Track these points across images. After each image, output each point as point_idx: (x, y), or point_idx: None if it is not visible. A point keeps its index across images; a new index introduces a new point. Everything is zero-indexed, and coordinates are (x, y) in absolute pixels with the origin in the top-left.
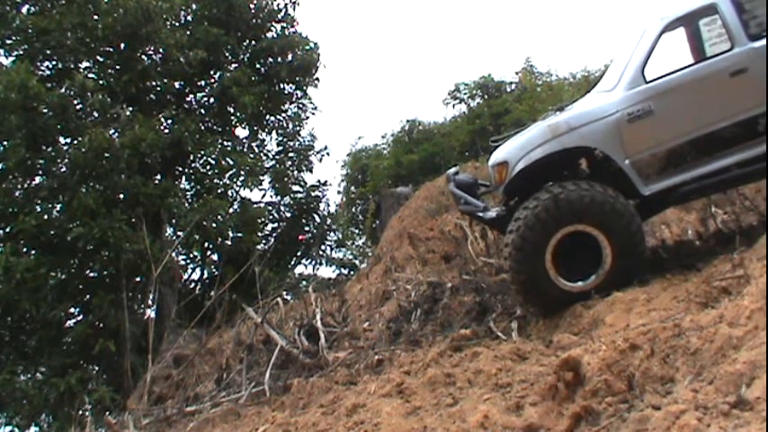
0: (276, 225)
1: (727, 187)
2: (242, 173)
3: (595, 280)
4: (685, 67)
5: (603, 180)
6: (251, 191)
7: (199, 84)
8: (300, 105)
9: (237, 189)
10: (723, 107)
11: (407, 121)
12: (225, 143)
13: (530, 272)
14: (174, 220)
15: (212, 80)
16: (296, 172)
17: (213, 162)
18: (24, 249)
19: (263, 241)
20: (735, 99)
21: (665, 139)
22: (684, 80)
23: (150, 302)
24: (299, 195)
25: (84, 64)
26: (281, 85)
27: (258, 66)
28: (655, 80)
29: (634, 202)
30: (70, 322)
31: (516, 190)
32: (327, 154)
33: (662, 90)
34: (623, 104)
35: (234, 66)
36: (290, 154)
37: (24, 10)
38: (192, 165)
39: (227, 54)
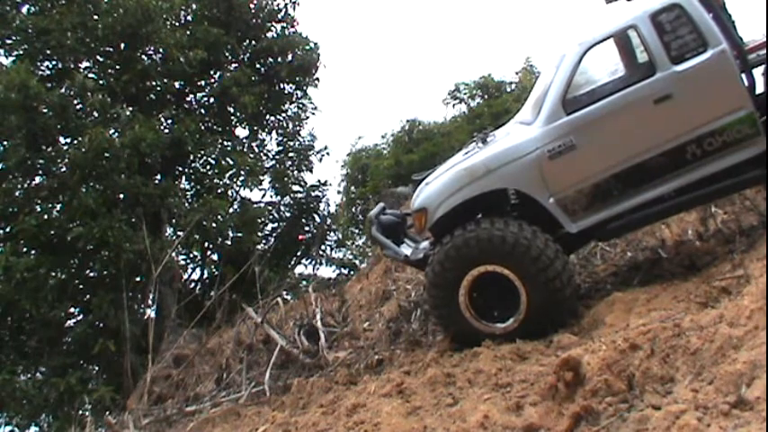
0: (276, 225)
1: (660, 218)
2: (242, 173)
3: (513, 323)
4: (606, 96)
5: (532, 218)
6: (251, 191)
7: (199, 84)
8: (300, 105)
9: (237, 189)
10: (649, 137)
11: (407, 121)
12: (225, 143)
13: (445, 311)
14: (174, 220)
15: (212, 80)
16: (296, 172)
17: (213, 162)
18: (24, 249)
19: (263, 241)
20: (661, 127)
21: (589, 174)
22: (606, 111)
23: (150, 302)
24: (299, 195)
25: (84, 64)
26: (281, 85)
27: (258, 66)
28: (575, 111)
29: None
30: (70, 322)
31: (442, 229)
32: (327, 154)
33: (583, 122)
34: (543, 140)
35: (234, 66)
36: (290, 154)
37: (24, 10)
38: (192, 165)
39: (227, 54)
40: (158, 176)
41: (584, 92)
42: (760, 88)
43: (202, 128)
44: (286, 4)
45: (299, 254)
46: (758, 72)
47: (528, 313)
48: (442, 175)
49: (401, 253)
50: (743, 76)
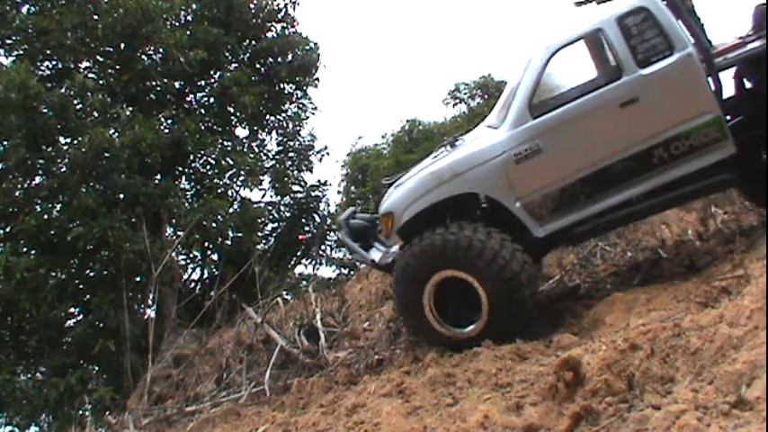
0: (276, 225)
1: (627, 222)
2: (242, 173)
3: (476, 328)
4: (573, 100)
5: (501, 222)
6: (251, 191)
7: (199, 84)
8: (300, 105)
9: (237, 189)
10: (615, 141)
11: (407, 121)
12: (225, 143)
13: (412, 316)
14: (174, 220)
15: (212, 80)
16: (296, 172)
17: (213, 162)
18: (24, 249)
19: (263, 241)
20: (627, 131)
21: (555, 178)
22: (573, 114)
23: (150, 302)
24: (299, 195)
25: (84, 64)
26: (281, 85)
27: (258, 66)
28: (541, 115)
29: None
30: (70, 322)
31: (410, 234)
32: (327, 154)
33: (549, 126)
34: (509, 144)
35: (234, 66)
36: (290, 154)
37: (24, 10)
38: (192, 165)
39: (227, 54)
40: (158, 176)
41: (552, 95)
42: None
43: (202, 128)
44: (286, 4)
45: (299, 254)
46: (729, 75)
47: (490, 316)
48: (409, 180)
49: (368, 257)
50: (710, 79)
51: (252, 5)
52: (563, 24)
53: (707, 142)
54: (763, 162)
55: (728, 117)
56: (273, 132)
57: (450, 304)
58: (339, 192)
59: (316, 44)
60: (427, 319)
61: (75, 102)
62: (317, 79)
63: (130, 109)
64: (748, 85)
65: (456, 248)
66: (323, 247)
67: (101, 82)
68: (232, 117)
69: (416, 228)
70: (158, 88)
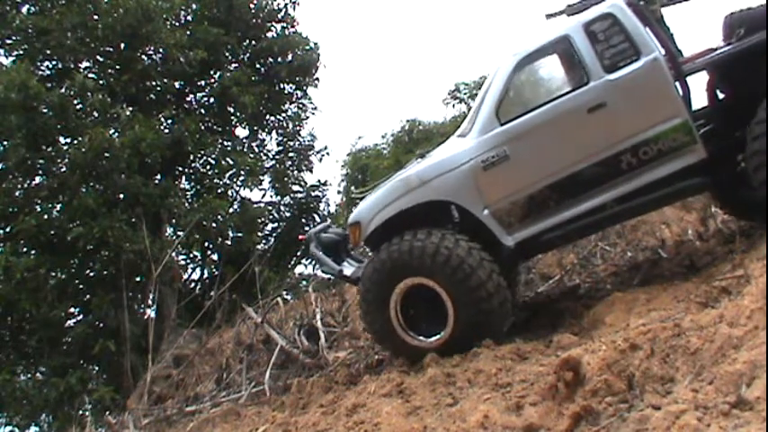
0: (276, 225)
1: (597, 230)
2: (242, 173)
3: (443, 337)
4: (540, 106)
5: (473, 230)
6: (251, 191)
7: (199, 84)
8: (300, 105)
9: (237, 189)
10: (583, 146)
11: (407, 121)
12: (225, 143)
13: (378, 326)
14: (174, 220)
15: (212, 80)
16: (296, 172)
17: (213, 162)
18: (24, 249)
19: (263, 241)
20: (595, 136)
21: (523, 185)
22: (540, 120)
23: (150, 302)
24: (299, 195)
25: (84, 64)
26: (281, 85)
27: (258, 66)
28: (509, 122)
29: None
30: (70, 322)
31: (378, 243)
32: (327, 154)
33: (517, 133)
34: (477, 151)
35: (234, 66)
36: (290, 154)
37: (24, 10)
38: (192, 165)
39: (227, 54)
40: (158, 176)
41: (520, 102)
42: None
43: (202, 128)
44: (286, 4)
45: (298, 254)
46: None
47: (456, 325)
48: (377, 189)
49: (336, 267)
50: (678, 84)
51: (252, 5)
52: (533, 33)
53: (676, 146)
54: (736, 171)
55: (702, 125)
56: (273, 132)
57: (418, 313)
58: (339, 192)
59: (316, 44)
60: (393, 328)
61: (76, 102)
62: (317, 79)
63: (130, 109)
64: (722, 96)
65: (422, 255)
66: None
67: (101, 82)
68: (232, 117)
69: (385, 237)
70: (158, 88)
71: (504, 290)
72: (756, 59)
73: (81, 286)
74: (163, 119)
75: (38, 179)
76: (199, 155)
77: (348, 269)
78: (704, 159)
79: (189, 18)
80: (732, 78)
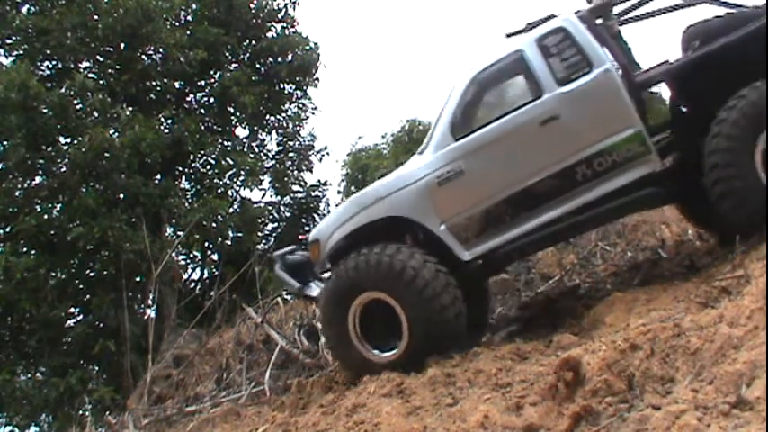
0: (276, 225)
1: (554, 243)
2: (242, 173)
3: (398, 351)
4: (494, 121)
5: (431, 245)
6: (251, 191)
7: (199, 84)
8: (300, 105)
9: (237, 189)
10: (537, 159)
11: (407, 120)
12: (225, 143)
13: (337, 341)
14: (174, 220)
15: (212, 80)
16: (296, 172)
17: (213, 162)
18: (24, 249)
19: (263, 241)
20: (548, 149)
21: (478, 199)
22: (493, 135)
23: (150, 302)
24: (299, 195)
25: (84, 64)
26: (281, 85)
27: (258, 66)
28: (463, 138)
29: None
30: (70, 322)
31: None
32: (327, 154)
33: (471, 148)
34: (432, 167)
35: (234, 66)
36: (290, 154)
37: (24, 10)
38: (192, 165)
39: (227, 54)
40: (158, 176)
41: (474, 117)
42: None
43: (202, 128)
44: (286, 4)
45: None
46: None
47: (411, 339)
48: (338, 207)
49: (296, 286)
50: (632, 96)
51: (252, 5)
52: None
53: (630, 157)
54: (699, 183)
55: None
56: (273, 132)
57: (377, 327)
58: (339, 192)
59: (316, 44)
60: (352, 342)
61: (76, 102)
62: (317, 79)
63: (130, 109)
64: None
65: (376, 270)
66: None
67: (101, 82)
68: (232, 117)
69: (346, 253)
70: (158, 88)
71: (460, 302)
72: (708, 71)
73: (81, 286)
74: (163, 119)
75: (38, 179)
76: (199, 155)
77: (314, 290)
78: (663, 170)
79: (189, 18)
80: (688, 91)
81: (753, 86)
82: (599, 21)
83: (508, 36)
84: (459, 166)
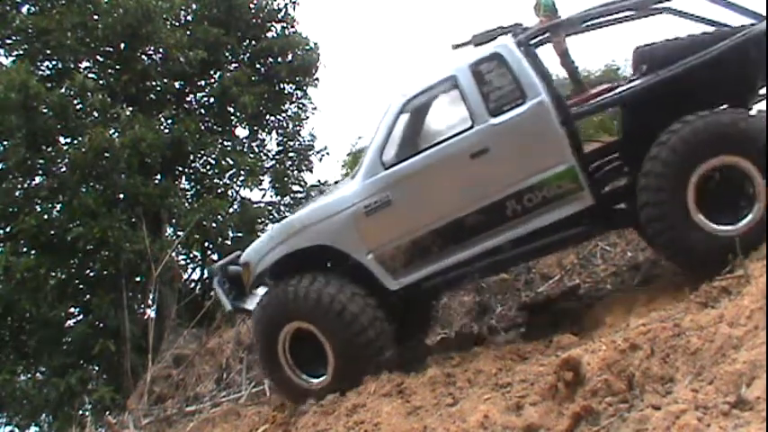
0: None
1: (482, 276)
2: (242, 173)
3: (326, 378)
4: (424, 150)
5: (357, 273)
6: (251, 191)
7: (199, 84)
8: (300, 105)
9: (237, 189)
10: (465, 193)
11: None
12: (225, 143)
13: (269, 363)
14: (174, 220)
15: (212, 80)
16: (296, 172)
17: (213, 162)
18: (24, 249)
19: None
20: (478, 183)
21: (405, 230)
22: (422, 165)
23: (150, 302)
24: (299, 195)
25: (84, 64)
26: (281, 85)
27: (258, 66)
28: (393, 166)
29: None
30: (70, 322)
31: (275, 281)
32: (327, 154)
33: (400, 178)
34: (360, 196)
35: (234, 66)
36: (290, 154)
37: (24, 10)
38: (192, 165)
39: (227, 54)
40: (158, 176)
41: (404, 145)
42: None
43: (202, 128)
44: (286, 4)
45: None
46: None
47: (337, 366)
48: (270, 229)
49: (229, 307)
50: (564, 128)
51: (252, 5)
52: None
53: (561, 194)
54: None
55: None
56: (273, 132)
57: (308, 353)
58: None
59: (316, 44)
60: (282, 367)
61: (76, 102)
62: (317, 79)
63: (130, 109)
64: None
65: (303, 300)
66: None
67: (101, 82)
68: (232, 117)
69: (279, 276)
70: (158, 88)
71: (380, 328)
72: (641, 105)
73: (81, 286)
74: (163, 119)
75: (38, 179)
76: (199, 155)
77: (252, 303)
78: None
79: (189, 18)
80: (627, 120)
81: (684, 120)
82: (547, 36)
83: (455, 47)
84: (386, 196)
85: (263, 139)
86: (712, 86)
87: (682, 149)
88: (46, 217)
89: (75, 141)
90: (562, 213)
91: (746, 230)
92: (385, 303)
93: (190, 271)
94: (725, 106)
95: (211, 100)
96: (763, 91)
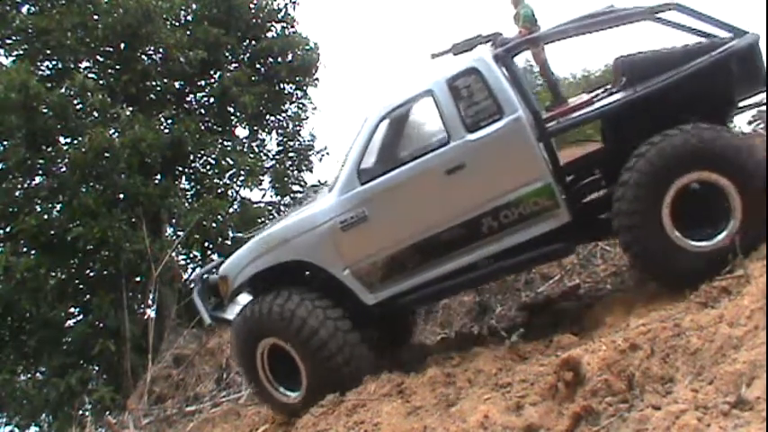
0: None
1: (458, 292)
2: (242, 173)
3: (299, 395)
4: (400, 166)
5: (334, 288)
6: (251, 191)
7: (199, 84)
8: (300, 105)
9: (237, 189)
10: (441, 209)
11: None
12: (225, 143)
13: (251, 379)
14: (174, 220)
15: (212, 80)
16: (296, 172)
17: (213, 162)
18: (24, 249)
19: None
20: (454, 199)
21: (381, 246)
22: (399, 181)
23: (150, 302)
24: (299, 195)
25: (84, 64)
26: (281, 85)
27: (258, 66)
28: (369, 181)
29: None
30: (70, 322)
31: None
32: (327, 154)
33: (376, 193)
34: (336, 211)
35: (234, 66)
36: (290, 154)
37: (24, 10)
38: (192, 165)
39: (227, 54)
40: (158, 176)
41: (381, 160)
42: None
43: (202, 128)
44: (286, 4)
45: None
46: None
47: (310, 382)
48: (248, 243)
49: (208, 321)
50: (541, 145)
51: (252, 5)
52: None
53: (537, 211)
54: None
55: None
56: (273, 132)
57: (287, 368)
58: None
59: (316, 44)
60: (260, 381)
61: (76, 102)
62: (317, 79)
63: (130, 109)
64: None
65: (276, 319)
66: None
67: (101, 82)
68: (232, 117)
69: (257, 289)
70: (158, 88)
71: (350, 350)
72: (619, 120)
73: (81, 286)
74: (163, 119)
75: (38, 179)
76: (199, 155)
77: (231, 313)
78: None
79: (189, 18)
80: (606, 134)
81: (664, 133)
82: (527, 48)
83: (433, 56)
84: (363, 211)
85: (263, 139)
86: (691, 102)
87: (658, 164)
88: (46, 217)
89: (75, 141)
90: (538, 230)
91: (722, 246)
92: (362, 315)
93: (190, 271)
94: (704, 121)
95: (211, 100)
96: (748, 101)
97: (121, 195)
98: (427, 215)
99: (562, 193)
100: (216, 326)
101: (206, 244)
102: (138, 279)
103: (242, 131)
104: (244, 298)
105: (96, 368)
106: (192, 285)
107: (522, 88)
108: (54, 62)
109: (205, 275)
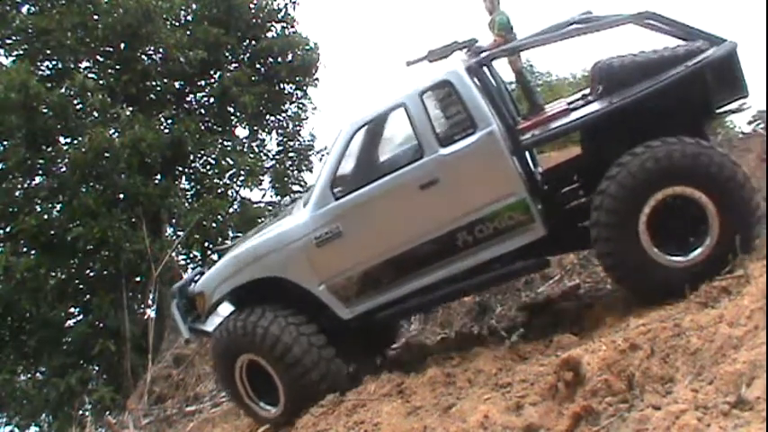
0: None
1: (438, 304)
2: (242, 173)
3: (277, 411)
4: (374, 181)
5: (309, 303)
6: (251, 191)
7: (199, 84)
8: (300, 105)
9: (237, 189)
10: (415, 224)
11: None
12: (225, 143)
13: (230, 392)
14: (174, 220)
15: (212, 80)
16: (296, 172)
17: (213, 162)
18: (24, 249)
19: None
20: (428, 214)
21: (356, 261)
22: (372, 196)
23: (150, 302)
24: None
25: (84, 64)
26: (281, 85)
27: (258, 66)
28: (343, 196)
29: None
30: (70, 322)
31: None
32: (327, 154)
33: (350, 209)
34: (310, 227)
35: (234, 66)
36: (290, 154)
37: (24, 10)
38: (192, 165)
39: (227, 54)
40: (158, 176)
41: (354, 175)
42: None
43: (202, 128)
44: (286, 4)
45: None
46: None
47: (286, 398)
48: (223, 258)
49: (186, 335)
50: (515, 158)
51: (252, 5)
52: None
53: (512, 225)
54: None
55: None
56: (273, 132)
57: (266, 383)
58: None
59: (316, 44)
60: (240, 396)
61: (76, 102)
62: (317, 79)
63: (130, 109)
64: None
65: (251, 336)
66: None
67: (101, 82)
68: (232, 117)
69: (240, 300)
70: (158, 88)
71: (325, 365)
72: (596, 131)
73: (81, 286)
74: (163, 119)
75: (38, 179)
76: (199, 155)
77: (212, 324)
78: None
79: (189, 18)
80: (583, 144)
81: (647, 145)
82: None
83: (409, 64)
84: (337, 227)
85: (263, 139)
86: (667, 112)
87: (639, 176)
88: (46, 217)
89: (75, 141)
90: (514, 245)
91: (698, 261)
92: (340, 330)
93: (190, 271)
94: (680, 130)
95: (211, 100)
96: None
97: (121, 195)
98: (402, 230)
99: (537, 207)
100: (194, 339)
101: (206, 244)
102: (138, 279)
103: (242, 131)
104: (225, 309)
105: (96, 368)
106: (171, 298)
107: (495, 100)
108: (54, 62)
109: (184, 287)
